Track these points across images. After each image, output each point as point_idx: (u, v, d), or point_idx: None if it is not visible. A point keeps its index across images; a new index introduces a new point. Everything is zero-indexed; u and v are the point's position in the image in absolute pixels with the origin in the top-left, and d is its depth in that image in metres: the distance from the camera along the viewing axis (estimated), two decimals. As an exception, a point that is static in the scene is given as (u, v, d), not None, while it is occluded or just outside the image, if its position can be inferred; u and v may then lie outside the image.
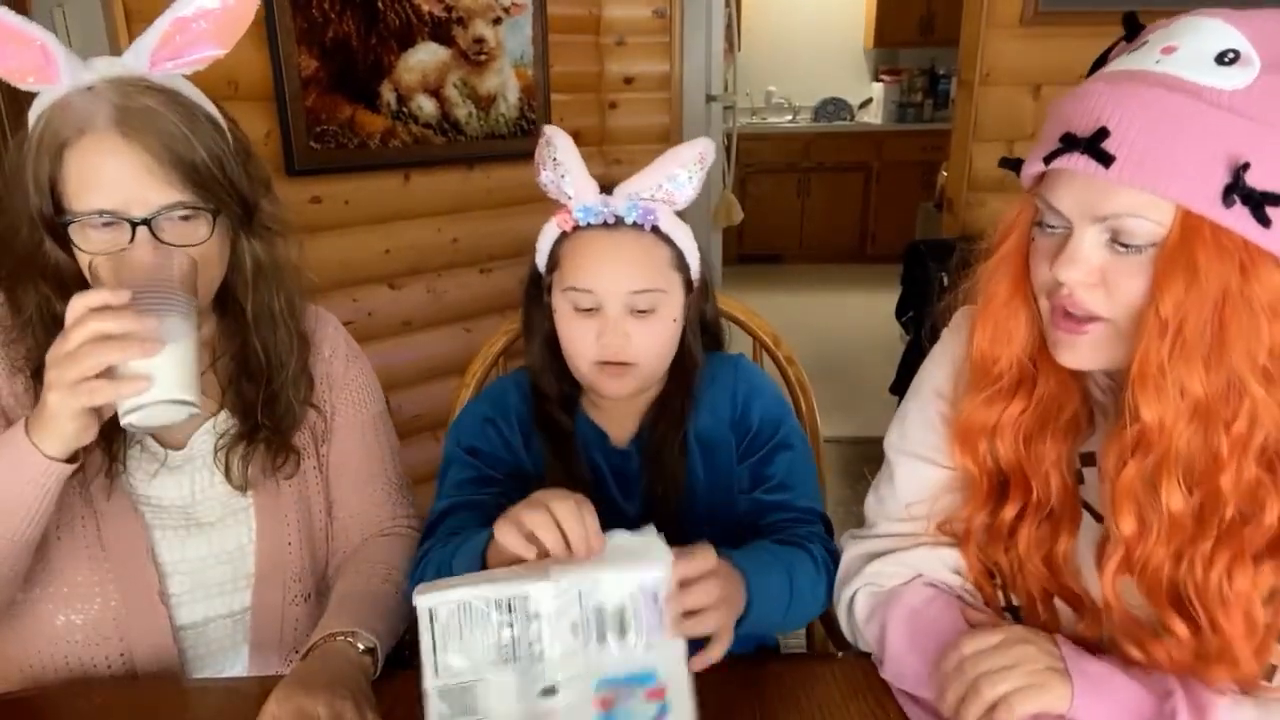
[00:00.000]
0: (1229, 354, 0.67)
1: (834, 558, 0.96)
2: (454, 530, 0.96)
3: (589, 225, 0.95)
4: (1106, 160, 0.67)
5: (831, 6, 6.03)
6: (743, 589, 0.83)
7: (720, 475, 1.04)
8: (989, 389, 0.82)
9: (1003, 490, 0.83)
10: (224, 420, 1.00)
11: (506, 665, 0.71)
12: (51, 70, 0.83)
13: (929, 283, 2.96)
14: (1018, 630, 0.77)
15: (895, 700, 0.84)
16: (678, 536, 1.00)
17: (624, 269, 0.95)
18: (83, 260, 0.86)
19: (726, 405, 1.05)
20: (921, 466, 0.90)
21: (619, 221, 0.94)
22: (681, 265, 0.99)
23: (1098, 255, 0.70)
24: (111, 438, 0.92)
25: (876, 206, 5.94)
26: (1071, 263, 0.70)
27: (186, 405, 0.79)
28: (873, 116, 6.04)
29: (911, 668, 0.82)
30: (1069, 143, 0.69)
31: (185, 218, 0.86)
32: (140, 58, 0.86)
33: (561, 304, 0.97)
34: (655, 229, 0.95)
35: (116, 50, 1.88)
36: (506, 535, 0.76)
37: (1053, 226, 0.73)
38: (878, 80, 6.03)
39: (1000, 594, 0.86)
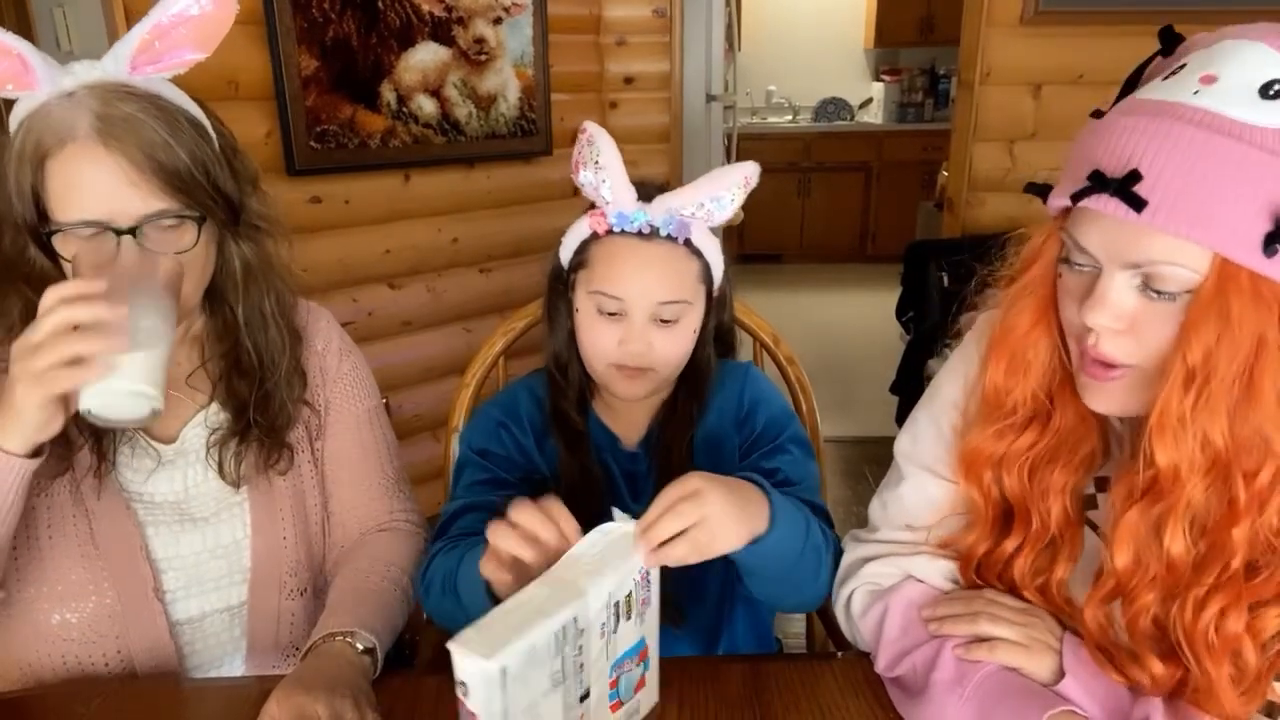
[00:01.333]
0: (1258, 409, 0.64)
1: (830, 547, 0.95)
2: (464, 531, 0.96)
3: (623, 231, 0.95)
4: (1139, 205, 0.63)
5: (831, 6, 6.03)
6: (762, 504, 0.82)
7: (723, 473, 1.04)
8: (1000, 423, 0.79)
9: (1007, 520, 0.82)
10: (215, 414, 1.00)
11: (556, 689, 0.70)
12: (30, 77, 0.81)
13: (929, 283, 2.96)
14: (1036, 608, 0.80)
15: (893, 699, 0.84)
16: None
17: (655, 281, 0.95)
18: (68, 268, 0.86)
19: (733, 407, 1.05)
20: (930, 480, 0.88)
21: (654, 231, 0.94)
22: (707, 277, 1.00)
23: (1128, 300, 0.67)
24: (100, 436, 0.91)
25: (877, 206, 5.95)
26: (1101, 307, 0.67)
27: (148, 399, 0.77)
28: (873, 116, 6.04)
29: (902, 652, 0.83)
30: (1099, 182, 0.65)
31: (169, 226, 0.86)
32: (120, 63, 0.85)
33: (586, 304, 0.98)
34: (687, 241, 0.96)
35: (116, 50, 1.88)
36: (493, 572, 0.77)
37: (1081, 265, 0.70)
38: (878, 80, 6.04)
39: None
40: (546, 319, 1.06)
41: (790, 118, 6.16)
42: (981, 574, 0.84)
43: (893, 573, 0.88)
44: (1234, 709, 0.69)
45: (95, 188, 0.82)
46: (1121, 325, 0.67)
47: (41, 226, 0.84)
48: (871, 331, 4.49)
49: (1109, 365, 0.69)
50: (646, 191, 0.96)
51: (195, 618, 1.00)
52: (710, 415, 1.05)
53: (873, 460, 3.17)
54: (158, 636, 0.95)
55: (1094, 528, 0.80)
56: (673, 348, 0.98)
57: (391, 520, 1.10)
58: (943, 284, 2.92)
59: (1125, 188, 0.63)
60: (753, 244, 5.98)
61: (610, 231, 0.95)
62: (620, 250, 0.96)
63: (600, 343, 0.97)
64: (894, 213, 5.78)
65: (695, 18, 3.16)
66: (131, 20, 1.89)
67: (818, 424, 1.27)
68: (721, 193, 0.95)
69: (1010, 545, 0.81)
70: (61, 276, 0.86)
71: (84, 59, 0.85)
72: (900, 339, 3.28)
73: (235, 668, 1.04)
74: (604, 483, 1.03)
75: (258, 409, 0.98)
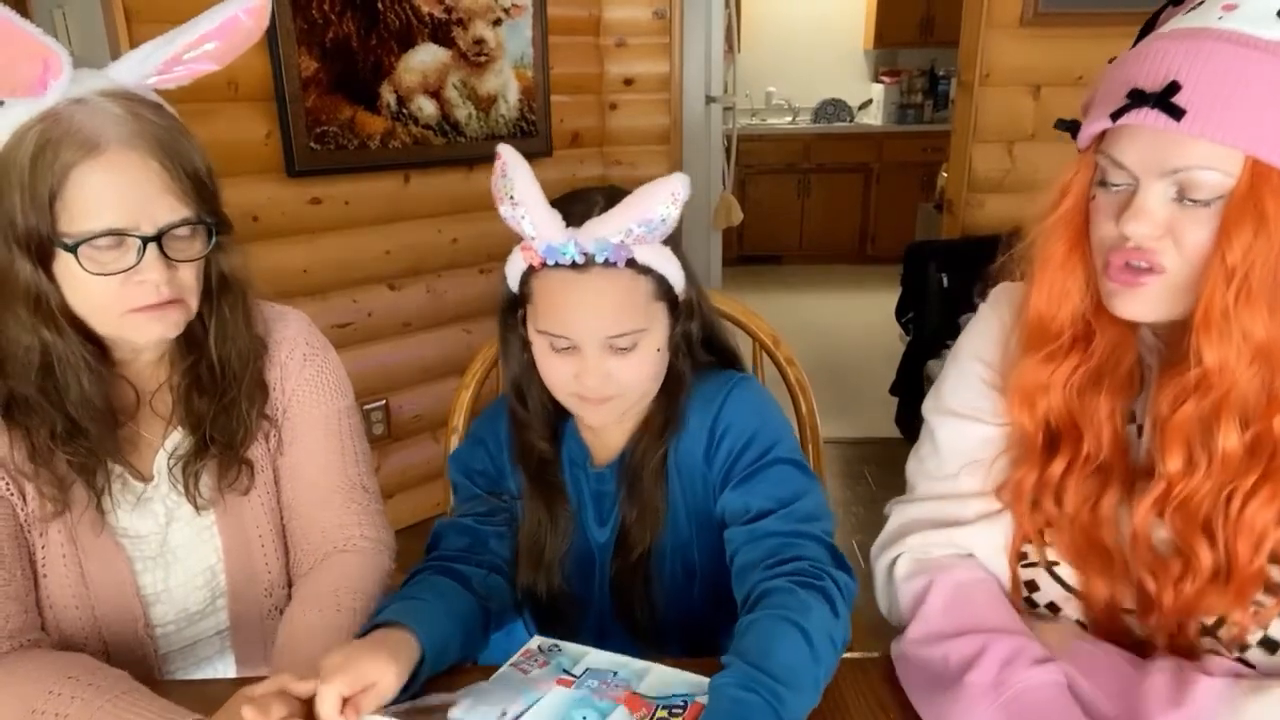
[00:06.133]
0: None
1: (828, 598, 0.84)
2: (447, 550, 0.96)
3: (556, 264, 0.87)
4: (1177, 114, 0.68)
5: (831, 7, 6.04)
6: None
7: (697, 507, 0.99)
8: (1048, 346, 0.83)
9: (1053, 445, 0.85)
10: (176, 439, 0.97)
11: None
12: (46, 81, 0.78)
13: (928, 284, 2.96)
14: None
15: (895, 701, 0.84)
16: (650, 565, 0.99)
17: (599, 315, 0.88)
18: (73, 280, 0.83)
19: (705, 433, 0.97)
20: (964, 423, 0.91)
21: (590, 259, 0.86)
22: (664, 291, 0.92)
23: (1164, 209, 0.72)
24: (93, 473, 0.89)
25: (876, 207, 5.95)
26: (1138, 217, 0.72)
27: None
28: (872, 117, 6.04)
29: (938, 634, 0.83)
30: (1137, 98, 0.71)
31: (184, 234, 0.85)
32: (136, 73, 0.84)
33: (538, 341, 0.93)
34: (631, 261, 0.88)
35: (117, 51, 1.88)
36: None
37: (1117, 184, 0.75)
38: (877, 81, 6.04)
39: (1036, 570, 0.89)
40: (501, 350, 1.00)
41: (790, 119, 6.16)
42: (1040, 509, 0.86)
43: (942, 543, 0.89)
44: (1244, 593, 0.75)
45: (129, 194, 0.80)
46: (1158, 233, 0.72)
47: (52, 239, 0.80)
48: (871, 332, 4.49)
49: (1138, 272, 0.74)
50: (584, 208, 0.87)
51: (186, 645, 1.00)
52: (686, 439, 0.98)
53: (872, 461, 3.17)
54: (148, 672, 0.95)
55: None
56: (633, 373, 0.91)
57: (347, 542, 1.03)
58: (942, 285, 2.92)
59: (1165, 99, 0.69)
60: (752, 245, 5.98)
61: (545, 264, 0.88)
62: (557, 286, 0.88)
63: (557, 378, 0.92)
64: (893, 214, 5.77)
65: (695, 19, 3.16)
66: (132, 21, 1.90)
67: (817, 425, 1.27)
68: (649, 215, 0.85)
69: (1057, 468, 0.84)
70: (57, 293, 0.83)
71: (79, 70, 0.82)
72: (900, 340, 3.28)
73: (227, 675, 1.04)
74: (572, 507, 1.01)
75: (215, 425, 0.95)
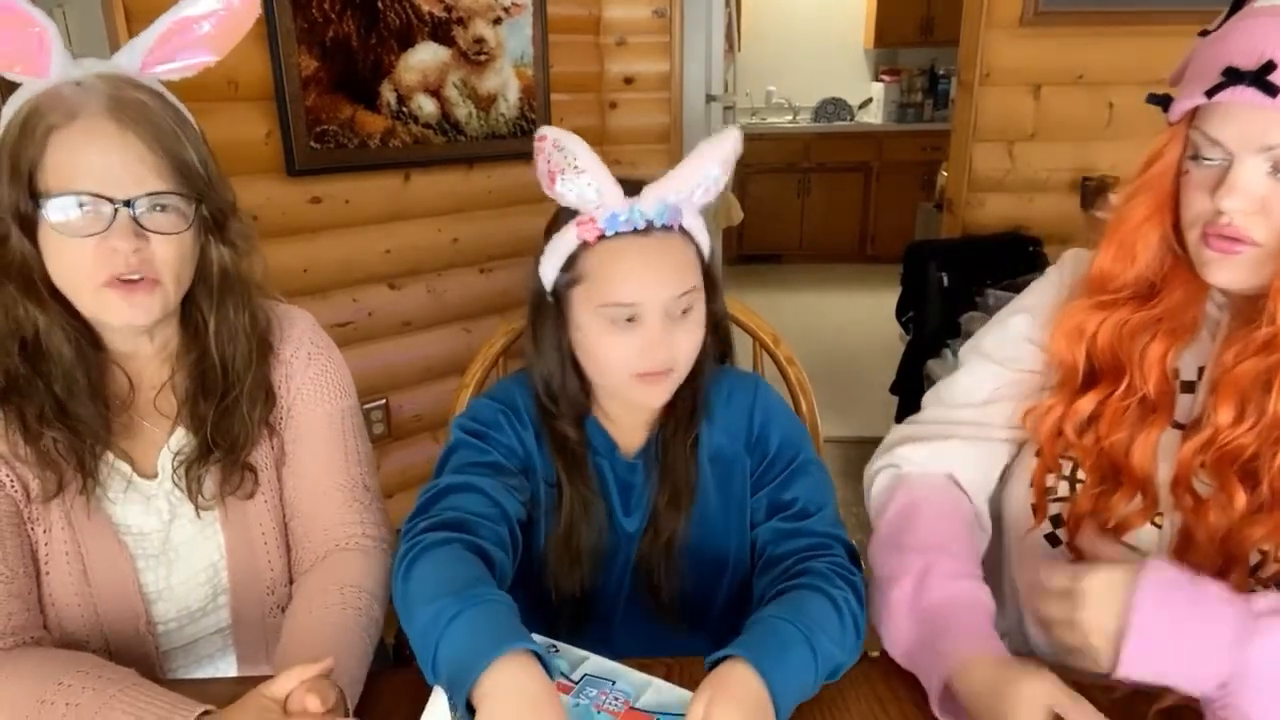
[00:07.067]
0: None
1: (856, 591, 0.87)
2: (453, 510, 0.88)
3: (616, 234, 0.88)
4: (1273, 91, 0.71)
5: (831, 6, 6.04)
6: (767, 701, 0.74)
7: (734, 498, 1.00)
8: (1102, 296, 0.87)
9: (1092, 380, 0.88)
10: (179, 438, 0.97)
11: None
12: (43, 60, 0.82)
13: (929, 283, 2.96)
14: (1091, 580, 0.73)
15: (895, 700, 0.84)
16: (678, 549, 0.99)
17: (665, 276, 0.89)
18: (51, 247, 0.84)
19: (743, 426, 1.00)
20: (987, 364, 0.96)
21: (648, 225, 0.88)
22: (702, 260, 0.95)
23: (1259, 184, 0.74)
24: (82, 455, 0.89)
25: (876, 207, 5.95)
26: (1233, 192, 0.75)
27: None
28: (872, 116, 6.04)
29: (892, 545, 0.90)
30: (1233, 76, 0.73)
31: (164, 207, 0.85)
32: (133, 59, 0.86)
33: (594, 321, 0.90)
34: (680, 227, 0.91)
35: (117, 50, 1.88)
36: None
37: (1210, 159, 0.77)
38: (878, 80, 6.04)
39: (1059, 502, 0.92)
40: (533, 343, 0.98)
41: (790, 118, 6.16)
42: (1059, 435, 0.89)
43: (920, 457, 0.95)
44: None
45: (101, 160, 0.82)
46: (1253, 208, 0.75)
47: (31, 203, 0.82)
48: (871, 331, 4.49)
49: (1232, 240, 0.77)
50: (629, 186, 0.90)
51: (187, 643, 1.01)
52: (718, 432, 1.00)
53: (872, 460, 3.17)
54: (149, 669, 0.95)
55: (1179, 426, 0.87)
56: (690, 341, 0.92)
57: (349, 540, 1.02)
58: (942, 284, 2.92)
59: (1261, 77, 0.72)
60: (752, 244, 5.98)
61: (602, 237, 0.88)
62: (620, 254, 0.89)
63: (618, 355, 0.90)
64: (893, 213, 5.78)
65: (695, 18, 3.16)
66: (132, 20, 1.90)
67: (818, 424, 1.27)
68: (713, 168, 0.91)
69: (1090, 402, 0.87)
70: (41, 266, 0.85)
71: (86, 58, 0.85)
72: (900, 339, 3.28)
73: (229, 674, 1.04)
74: (601, 495, 0.99)
75: (217, 429, 0.95)
